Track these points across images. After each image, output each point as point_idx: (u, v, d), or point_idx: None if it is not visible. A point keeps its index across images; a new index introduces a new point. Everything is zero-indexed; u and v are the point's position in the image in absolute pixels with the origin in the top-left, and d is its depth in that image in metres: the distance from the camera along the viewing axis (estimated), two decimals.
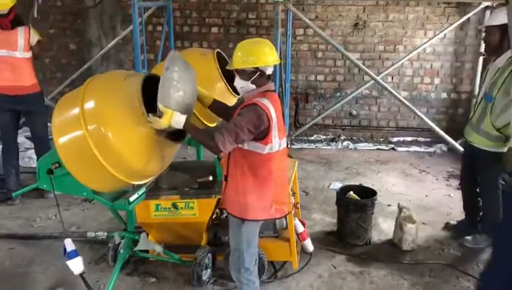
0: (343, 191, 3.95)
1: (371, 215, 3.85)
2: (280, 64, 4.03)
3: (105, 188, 2.82)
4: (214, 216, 3.39)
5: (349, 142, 6.74)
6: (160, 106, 2.44)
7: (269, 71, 2.55)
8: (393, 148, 6.56)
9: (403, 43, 6.62)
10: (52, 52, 7.12)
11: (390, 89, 5.83)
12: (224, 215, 3.45)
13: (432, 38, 6.27)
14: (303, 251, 3.63)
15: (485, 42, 3.66)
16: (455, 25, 6.11)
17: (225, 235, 3.23)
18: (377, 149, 6.56)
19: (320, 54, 6.79)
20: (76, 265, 2.80)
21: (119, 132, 2.47)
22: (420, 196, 4.87)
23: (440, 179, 5.40)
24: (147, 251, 3.35)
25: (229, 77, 3.10)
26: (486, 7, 5.99)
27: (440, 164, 5.91)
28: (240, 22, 6.79)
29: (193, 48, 6.60)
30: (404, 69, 6.67)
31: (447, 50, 6.58)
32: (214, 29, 6.89)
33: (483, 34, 3.63)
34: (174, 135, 2.63)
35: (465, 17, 6.09)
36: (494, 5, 5.69)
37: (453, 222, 4.12)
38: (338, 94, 6.86)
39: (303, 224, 3.63)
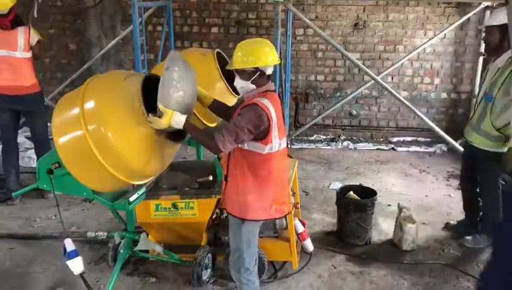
0: (343, 191, 3.95)
1: (371, 215, 3.85)
2: (280, 64, 4.02)
3: (105, 188, 2.82)
4: (214, 216, 3.39)
5: (349, 142, 6.74)
6: (160, 106, 2.44)
7: (269, 71, 2.55)
8: (393, 148, 6.56)
9: (403, 43, 6.62)
10: (52, 52, 7.12)
11: (390, 89, 5.83)
12: (224, 215, 3.45)
13: (432, 38, 6.27)
14: (303, 251, 3.63)
15: (485, 42, 3.66)
16: (455, 25, 6.11)
17: (225, 235, 3.23)
18: (377, 149, 6.56)
19: (320, 54, 6.79)
20: (76, 265, 2.80)
21: (119, 131, 2.47)
22: (420, 196, 4.87)
23: (440, 179, 5.40)
24: (147, 251, 3.35)
25: (229, 77, 3.10)
26: (486, 7, 5.99)
27: (440, 164, 5.91)
28: (240, 22, 6.79)
29: (193, 48, 6.60)
30: (404, 69, 6.67)
31: (447, 50, 6.58)
32: (214, 29, 6.88)
33: (483, 34, 3.63)
34: (174, 135, 2.63)
35: (465, 17, 6.09)
36: (494, 5, 5.69)
37: (453, 222, 4.12)
38: (338, 94, 6.86)
39: (303, 224, 3.63)
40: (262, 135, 2.47)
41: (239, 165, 2.55)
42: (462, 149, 4.70)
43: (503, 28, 3.29)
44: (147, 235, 3.34)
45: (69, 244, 2.81)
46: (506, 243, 2.46)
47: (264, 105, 2.44)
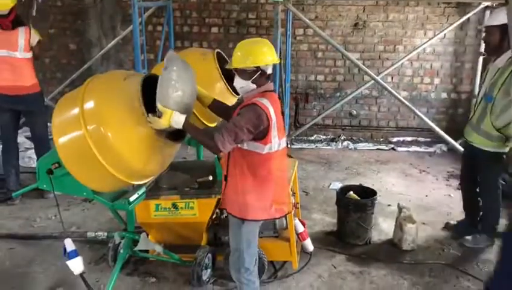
0: (343, 191, 3.95)
1: (371, 215, 3.85)
2: (280, 64, 4.03)
3: (105, 188, 2.81)
4: (214, 216, 3.39)
5: (349, 142, 6.74)
6: (159, 105, 2.43)
7: (269, 71, 2.56)
8: (393, 148, 6.56)
9: (402, 43, 6.62)
10: (52, 52, 7.12)
11: (390, 89, 5.84)
12: (224, 215, 3.45)
13: (432, 38, 6.27)
14: (303, 250, 3.63)
15: (485, 42, 3.66)
16: (455, 25, 6.11)
17: (225, 235, 3.23)
18: (377, 149, 6.55)
19: (320, 54, 6.79)
20: (76, 265, 2.79)
21: (119, 131, 2.47)
22: (420, 196, 4.87)
23: (440, 179, 5.40)
24: (147, 251, 3.34)
25: (229, 77, 3.10)
26: (486, 7, 5.99)
27: (440, 164, 5.91)
28: (240, 22, 6.79)
29: (193, 48, 6.60)
30: (404, 69, 6.66)
31: (446, 50, 6.57)
32: (214, 29, 6.89)
33: (483, 34, 3.63)
34: (174, 135, 2.63)
35: (465, 17, 6.09)
36: (494, 5, 5.69)
37: (453, 222, 4.12)
38: (338, 94, 6.85)
39: (303, 224, 3.62)
40: (261, 135, 2.47)
41: (238, 165, 2.55)
42: (462, 149, 4.71)
43: (503, 28, 3.29)
44: (147, 235, 3.34)
45: (69, 244, 2.81)
46: None
47: (263, 105, 2.44)
